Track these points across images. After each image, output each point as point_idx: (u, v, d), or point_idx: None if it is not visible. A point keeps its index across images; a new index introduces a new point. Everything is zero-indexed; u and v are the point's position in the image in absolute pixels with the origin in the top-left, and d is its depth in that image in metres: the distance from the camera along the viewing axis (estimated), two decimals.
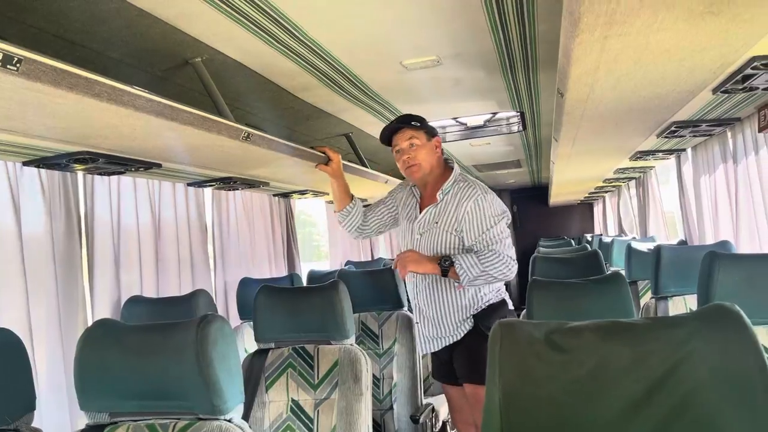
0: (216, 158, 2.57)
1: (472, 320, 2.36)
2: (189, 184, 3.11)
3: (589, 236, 8.16)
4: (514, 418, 0.86)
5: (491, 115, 4.26)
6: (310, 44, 2.32)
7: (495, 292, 2.42)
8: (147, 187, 2.88)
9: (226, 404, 1.46)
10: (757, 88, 1.90)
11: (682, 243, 3.83)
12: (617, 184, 6.34)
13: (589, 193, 7.97)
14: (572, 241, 7.19)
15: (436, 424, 3.28)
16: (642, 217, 5.39)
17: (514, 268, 2.30)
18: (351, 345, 2.34)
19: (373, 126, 3.99)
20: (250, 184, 3.25)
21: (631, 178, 5.65)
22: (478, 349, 2.23)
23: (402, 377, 3.10)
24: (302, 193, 4.09)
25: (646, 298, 3.63)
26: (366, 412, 2.22)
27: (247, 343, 3.19)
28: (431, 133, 2.52)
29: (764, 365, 0.78)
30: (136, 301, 2.64)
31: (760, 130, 2.27)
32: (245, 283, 3.31)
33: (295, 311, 2.36)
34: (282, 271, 3.98)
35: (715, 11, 1.23)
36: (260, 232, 3.83)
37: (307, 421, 2.26)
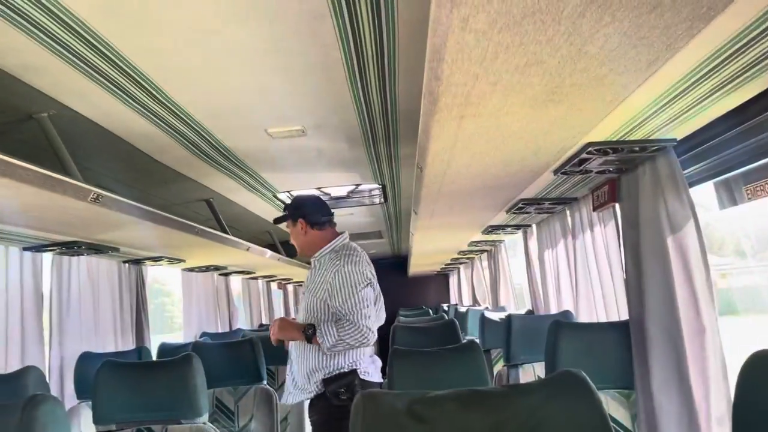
0: (59, 220, 2.36)
1: (322, 384, 2.43)
2: (25, 249, 2.81)
3: (445, 306, 8.45)
4: None
5: (354, 186, 4.36)
6: (170, 106, 2.25)
7: (350, 361, 2.46)
8: None
9: None
10: (591, 171, 2.12)
11: (530, 312, 4.06)
12: (471, 255, 6.68)
13: (446, 264, 8.30)
14: (430, 310, 7.39)
15: None
16: (494, 288, 5.68)
17: (371, 336, 2.38)
18: (204, 423, 2.18)
19: (235, 192, 3.91)
20: (98, 249, 3.01)
21: (483, 251, 5.97)
22: (322, 414, 2.42)
23: None
24: (156, 260, 3.87)
25: (499, 366, 3.78)
26: None
27: (85, 426, 2.87)
28: (294, 216, 2.64)
29: (608, 426, 0.83)
30: None
31: (594, 209, 2.52)
32: (86, 358, 3.00)
33: (142, 388, 2.16)
34: (129, 344, 3.67)
35: (556, 99, 1.37)
36: (106, 302, 3.53)
37: None
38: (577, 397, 0.85)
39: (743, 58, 1.22)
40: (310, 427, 2.60)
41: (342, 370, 2.41)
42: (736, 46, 1.16)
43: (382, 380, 2.56)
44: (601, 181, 2.37)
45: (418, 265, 7.76)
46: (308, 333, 2.37)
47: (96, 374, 2.12)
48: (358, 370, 2.43)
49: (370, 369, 2.49)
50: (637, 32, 1.03)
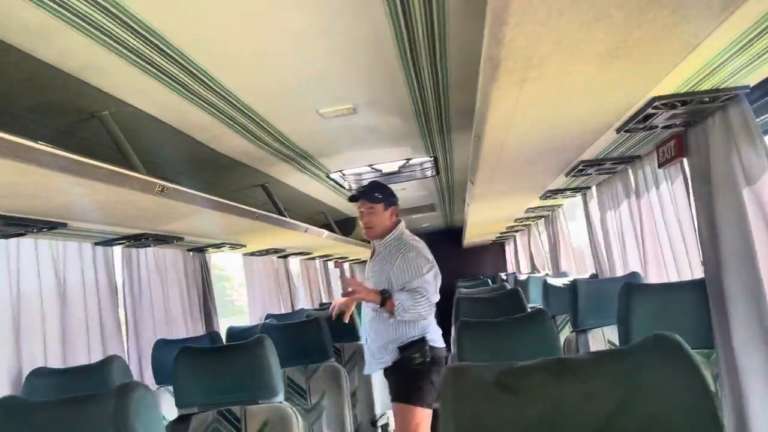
0: (127, 214, 2.44)
1: (398, 351, 2.80)
2: (96, 244, 2.92)
3: (503, 275, 8.37)
4: None
5: (405, 161, 4.33)
6: (224, 94, 2.27)
7: (420, 331, 2.84)
8: (50, 249, 2.68)
9: None
10: (657, 126, 2.03)
11: (594, 276, 3.99)
12: (527, 223, 6.58)
13: (501, 233, 8.21)
14: (489, 280, 7.34)
15: None
16: (553, 254, 5.59)
17: (433, 310, 2.83)
18: (280, 403, 2.24)
19: (290, 175, 3.95)
20: (163, 240, 3.10)
21: (540, 217, 5.87)
22: (400, 375, 2.80)
23: None
24: (218, 246, 3.96)
25: (566, 332, 3.73)
26: None
27: (166, 409, 2.98)
28: (389, 203, 2.98)
29: (709, 392, 0.80)
30: (39, 373, 2.40)
31: (660, 165, 2.43)
32: (161, 345, 3.12)
33: (219, 372, 2.23)
34: (200, 330, 3.79)
35: (621, 54, 1.31)
36: (174, 290, 3.64)
37: None
38: (674, 362, 0.82)
39: None
40: (386, 390, 3.01)
41: (414, 339, 2.78)
42: None
43: (445, 346, 2.95)
44: (666, 136, 2.27)
45: (473, 236, 7.70)
46: (385, 295, 2.71)
47: (175, 361, 2.20)
48: (427, 338, 2.80)
49: (435, 336, 2.87)
50: None
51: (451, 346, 3.40)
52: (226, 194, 3.27)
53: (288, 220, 3.85)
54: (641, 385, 0.82)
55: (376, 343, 2.86)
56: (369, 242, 3.18)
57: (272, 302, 5.35)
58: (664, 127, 2.05)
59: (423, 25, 1.91)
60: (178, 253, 3.78)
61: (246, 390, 2.22)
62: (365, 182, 4.89)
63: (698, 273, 2.42)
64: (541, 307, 3.90)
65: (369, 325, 2.98)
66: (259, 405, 2.22)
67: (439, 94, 2.63)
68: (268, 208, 3.93)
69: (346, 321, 3.02)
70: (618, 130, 2.06)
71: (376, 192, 2.98)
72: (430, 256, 2.89)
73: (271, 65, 2.11)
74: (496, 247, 10.68)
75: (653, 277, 2.85)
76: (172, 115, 2.39)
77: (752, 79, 1.67)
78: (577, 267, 5.36)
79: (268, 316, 4.85)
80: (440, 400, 0.90)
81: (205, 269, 4.03)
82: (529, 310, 3.04)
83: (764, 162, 1.81)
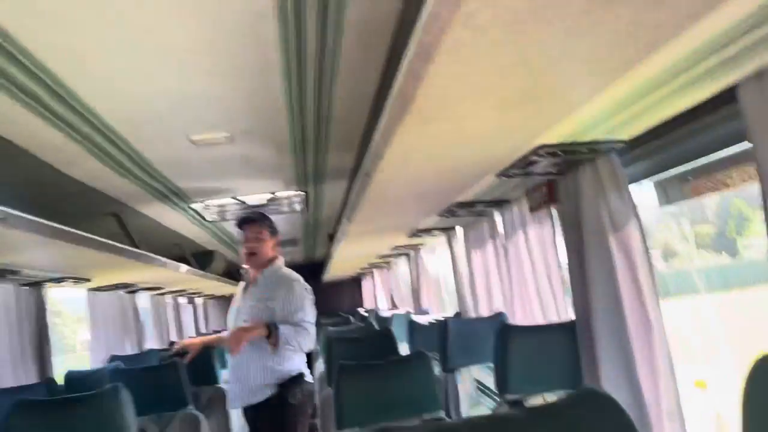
0: None
1: (275, 388, 2.75)
2: None
3: (363, 311, 8.36)
4: None
5: (272, 194, 4.20)
6: (85, 113, 2.04)
7: (298, 367, 2.83)
8: None
9: None
10: (533, 173, 2.11)
11: (458, 315, 4.07)
12: (388, 260, 6.65)
13: (362, 269, 8.24)
14: (351, 317, 7.28)
15: None
16: (415, 292, 5.67)
17: (312, 344, 2.82)
18: None
19: (147, 204, 3.65)
20: None
21: (402, 254, 5.96)
22: (280, 414, 2.77)
23: None
24: (58, 281, 3.52)
25: (435, 372, 3.75)
26: None
27: None
28: (274, 233, 2.94)
29: None
30: None
31: (531, 210, 2.54)
32: None
33: (63, 428, 1.93)
34: (32, 377, 3.30)
35: (525, 101, 1.33)
36: (3, 330, 3.15)
37: None
38: (606, 420, 0.80)
39: (695, 69, 1.24)
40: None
41: (293, 375, 2.78)
42: (691, 60, 1.18)
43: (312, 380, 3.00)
44: (538, 182, 2.38)
45: (335, 270, 7.64)
46: (272, 327, 2.65)
47: (9, 418, 1.86)
48: (304, 375, 2.83)
49: (307, 371, 2.89)
50: (627, 28, 1.00)
51: (317, 385, 3.28)
52: (73, 224, 2.93)
53: (143, 252, 3.53)
54: None
55: (256, 381, 2.77)
56: (233, 275, 3.24)
57: (117, 342, 4.86)
58: (540, 174, 2.13)
59: (315, 56, 1.84)
60: (9, 289, 3.30)
61: None
62: (228, 214, 4.69)
63: (564, 315, 2.53)
64: (408, 345, 3.90)
65: (244, 357, 2.83)
66: None
67: (320, 129, 2.56)
68: (119, 240, 3.59)
69: (186, 361, 2.94)
70: (499, 175, 2.11)
71: (266, 219, 2.94)
72: (311, 293, 2.91)
73: (145, 87, 1.92)
74: (354, 283, 10.71)
75: (519, 318, 2.95)
76: (16, 130, 2.09)
77: (627, 134, 1.78)
78: (438, 305, 5.46)
79: (114, 358, 4.39)
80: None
81: (40, 307, 3.55)
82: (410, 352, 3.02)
83: (630, 210, 1.95)
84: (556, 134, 1.70)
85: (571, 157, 1.93)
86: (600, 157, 1.96)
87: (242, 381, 2.80)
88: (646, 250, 1.94)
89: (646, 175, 2.07)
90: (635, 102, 1.47)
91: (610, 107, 1.48)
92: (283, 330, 2.67)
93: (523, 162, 1.92)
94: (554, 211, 2.47)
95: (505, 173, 2.09)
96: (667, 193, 2.08)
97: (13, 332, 3.22)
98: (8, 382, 3.10)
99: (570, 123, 1.58)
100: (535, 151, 1.80)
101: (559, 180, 2.22)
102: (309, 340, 2.75)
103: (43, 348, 3.46)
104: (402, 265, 6.58)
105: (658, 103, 1.50)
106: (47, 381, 2.97)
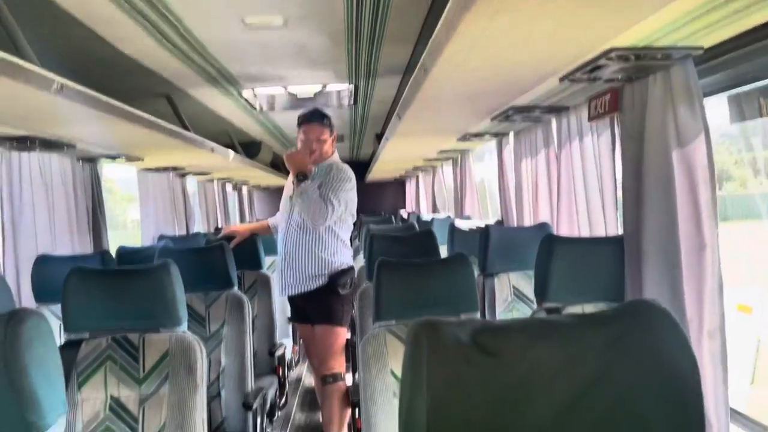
0: (10, 113, 2.11)
1: (326, 278, 3.00)
2: None
3: (404, 213, 8.41)
4: (443, 431, 0.75)
5: (322, 86, 4.13)
6: None
7: (347, 259, 3.11)
8: None
9: (44, 420, 1.16)
10: (600, 78, 1.99)
11: (500, 223, 4.04)
12: (435, 163, 6.58)
13: (406, 171, 8.21)
14: (393, 217, 7.33)
15: (266, 407, 3.12)
16: (458, 197, 5.63)
17: (327, 216, 2.93)
18: (183, 332, 2.09)
19: (198, 88, 3.65)
20: (51, 145, 2.75)
21: (449, 158, 5.88)
22: (328, 301, 3.02)
23: (231, 362, 2.89)
24: (113, 157, 3.61)
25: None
26: (201, 407, 2.00)
27: None
28: (332, 130, 3.13)
29: (695, 364, 0.76)
30: None
31: (591, 119, 2.42)
32: (43, 261, 2.82)
33: (116, 296, 2.04)
34: (86, 248, 3.47)
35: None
36: (60, 201, 3.28)
37: (130, 420, 1.97)
38: (660, 332, 0.78)
39: None
40: (285, 318, 3.53)
41: (342, 268, 3.04)
42: None
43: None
44: (601, 89, 2.25)
45: (379, 172, 7.64)
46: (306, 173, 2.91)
47: (66, 281, 1.97)
48: (353, 268, 3.11)
49: (354, 266, 3.14)
50: None
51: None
52: (125, 101, 2.94)
53: (193, 135, 3.56)
54: (627, 352, 0.77)
55: (311, 271, 3.00)
56: (278, 167, 3.46)
57: (166, 223, 5.04)
58: (606, 80, 2.01)
59: None
60: (65, 161, 3.40)
61: (146, 317, 2.05)
62: (277, 104, 4.66)
63: (612, 230, 2.48)
64: (447, 248, 3.92)
65: (294, 252, 3.06)
66: (159, 334, 2.06)
67: (378, 18, 2.45)
68: (170, 122, 3.62)
69: (232, 245, 3.18)
70: (562, 78, 2.00)
71: (327, 119, 3.07)
72: (353, 183, 3.10)
73: None
74: (397, 185, 10.73)
75: (563, 230, 2.90)
76: (73, 1, 2.06)
77: (707, 42, 1.64)
78: (480, 212, 5.44)
79: (162, 237, 4.57)
80: (406, 356, 0.81)
81: (96, 181, 3.66)
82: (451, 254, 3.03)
83: (700, 124, 1.83)
84: (630, 38, 1.58)
85: (643, 63, 1.80)
86: (674, 64, 1.83)
87: (296, 270, 3.03)
88: (712, 169, 1.84)
89: (722, 89, 1.94)
90: (718, 7, 1.34)
91: (690, 10, 1.35)
92: (312, 194, 2.86)
93: (591, 66, 1.81)
94: (616, 122, 2.36)
95: (569, 77, 1.97)
96: (743, 109, 1.94)
97: (70, 203, 3.36)
98: (65, 249, 3.26)
99: (645, 26, 1.45)
100: (605, 54, 1.68)
101: (626, 88, 2.09)
102: (319, 213, 2.86)
103: (98, 221, 3.61)
104: (447, 170, 6.51)
105: (743, 9, 1.36)
106: (102, 252, 3.11)
